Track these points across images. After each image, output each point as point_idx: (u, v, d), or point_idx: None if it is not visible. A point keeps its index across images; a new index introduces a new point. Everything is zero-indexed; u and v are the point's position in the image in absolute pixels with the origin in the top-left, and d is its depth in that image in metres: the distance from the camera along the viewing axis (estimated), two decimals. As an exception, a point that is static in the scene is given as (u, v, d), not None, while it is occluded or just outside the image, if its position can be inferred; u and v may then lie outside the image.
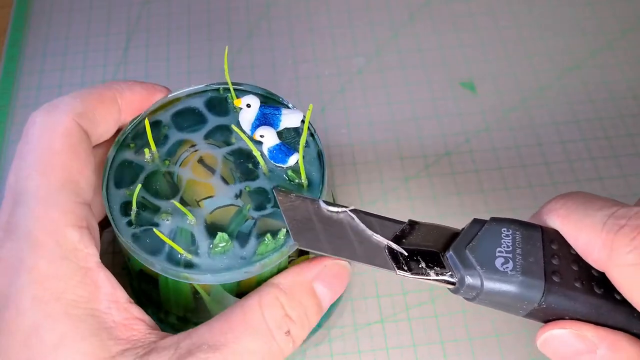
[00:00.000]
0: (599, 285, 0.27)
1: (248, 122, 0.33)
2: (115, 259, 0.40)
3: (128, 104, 0.33)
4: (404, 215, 0.41)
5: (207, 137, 0.34)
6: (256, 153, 0.32)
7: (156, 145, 0.33)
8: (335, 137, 0.45)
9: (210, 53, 0.49)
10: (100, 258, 0.29)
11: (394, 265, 0.28)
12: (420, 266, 0.28)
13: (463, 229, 0.29)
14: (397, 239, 0.29)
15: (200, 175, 0.33)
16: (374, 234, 0.29)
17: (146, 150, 0.33)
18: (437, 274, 0.28)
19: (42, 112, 0.30)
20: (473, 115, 0.46)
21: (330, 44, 0.50)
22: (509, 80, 0.47)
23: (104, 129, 0.32)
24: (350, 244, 0.29)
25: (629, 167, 0.43)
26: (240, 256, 0.30)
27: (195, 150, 0.33)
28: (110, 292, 0.28)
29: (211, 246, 0.30)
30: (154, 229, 0.30)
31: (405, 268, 0.28)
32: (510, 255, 0.27)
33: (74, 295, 0.27)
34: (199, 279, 0.30)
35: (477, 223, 0.28)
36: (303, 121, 0.34)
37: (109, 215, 0.31)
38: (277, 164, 0.32)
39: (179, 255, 0.30)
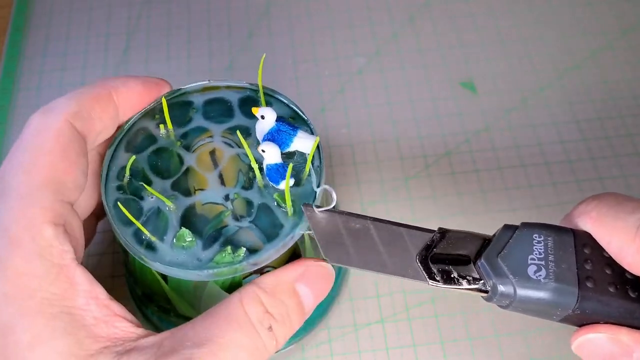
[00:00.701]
0: (633, 288, 0.27)
1: (261, 133, 0.33)
2: (116, 258, 0.40)
3: (125, 100, 0.32)
4: (404, 215, 0.41)
5: (227, 132, 0.34)
6: (254, 165, 0.31)
7: (178, 125, 0.34)
8: (335, 137, 0.45)
9: (210, 53, 0.49)
10: (80, 255, 0.29)
11: (426, 276, 0.28)
12: (452, 276, 0.28)
13: (494, 235, 0.29)
14: (427, 249, 0.29)
15: (201, 166, 0.33)
16: (403, 245, 0.29)
17: (161, 125, 0.33)
18: (469, 283, 0.28)
19: (38, 114, 0.30)
20: (473, 115, 0.46)
21: (330, 44, 0.50)
22: (509, 80, 0.47)
23: (102, 128, 0.32)
24: (380, 257, 0.29)
25: (629, 167, 0.43)
26: (198, 257, 0.30)
27: (211, 141, 0.33)
28: (88, 289, 0.28)
29: (174, 238, 0.30)
30: (120, 204, 0.30)
31: (438, 278, 0.28)
32: (542, 263, 0.27)
33: (48, 292, 0.27)
34: (149, 264, 0.30)
35: (509, 229, 0.28)
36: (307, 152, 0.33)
37: (103, 173, 0.32)
38: (271, 183, 0.31)
39: (144, 236, 0.30)
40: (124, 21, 0.51)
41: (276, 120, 0.32)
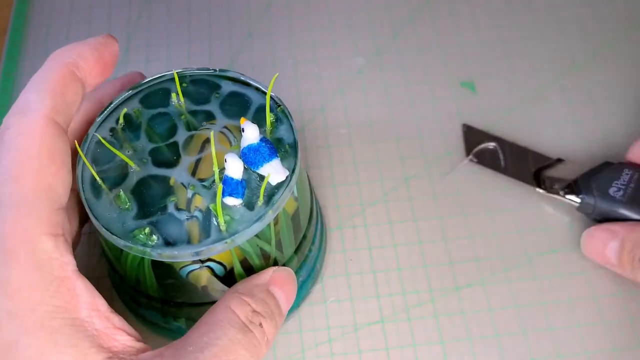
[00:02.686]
0: None
1: (243, 144, 0.32)
2: (103, 261, 0.40)
3: (88, 72, 0.31)
4: (404, 215, 0.41)
5: (234, 127, 0.33)
6: (215, 169, 0.31)
7: (194, 102, 0.34)
8: (335, 137, 0.45)
9: (210, 53, 0.49)
10: (77, 259, 0.28)
11: (535, 184, 0.41)
12: (554, 187, 0.40)
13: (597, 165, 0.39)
14: (544, 168, 0.41)
15: (187, 146, 0.33)
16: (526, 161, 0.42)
17: (173, 94, 0.34)
18: (565, 194, 0.39)
19: (15, 115, 0.29)
20: (473, 115, 0.46)
21: (330, 44, 0.50)
22: (509, 80, 0.47)
23: (77, 108, 0.31)
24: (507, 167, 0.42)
25: (629, 167, 0.43)
26: (123, 223, 0.30)
27: (209, 129, 0.33)
28: (89, 301, 0.27)
29: (116, 196, 0.31)
30: (102, 139, 0.32)
31: (544, 187, 0.40)
32: (623, 187, 0.37)
33: (50, 306, 0.26)
34: (86, 205, 0.31)
35: (609, 164, 0.39)
36: (273, 187, 0.31)
37: (102, 114, 0.34)
38: (228, 192, 0.31)
39: (97, 183, 0.31)
40: (124, 21, 0.51)
41: (262, 140, 0.31)
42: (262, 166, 0.31)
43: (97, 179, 0.31)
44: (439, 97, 0.47)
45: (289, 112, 0.34)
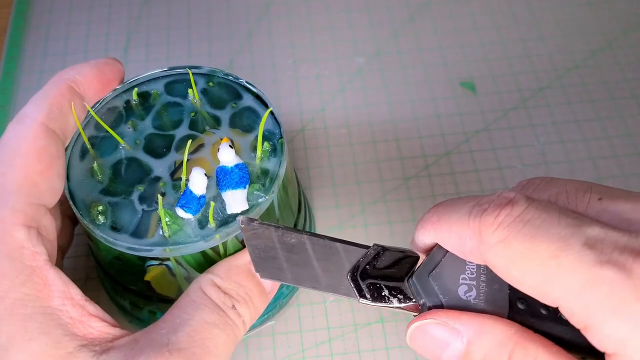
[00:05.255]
0: None
1: (222, 161, 0.31)
2: (90, 261, 0.40)
3: (87, 87, 0.33)
4: (404, 215, 0.41)
5: (238, 133, 0.33)
6: (184, 175, 0.31)
7: (211, 104, 0.34)
8: (335, 137, 0.45)
9: (210, 53, 0.49)
10: (63, 256, 0.29)
11: (357, 293, 0.28)
12: (383, 294, 0.28)
13: (428, 253, 0.28)
14: (361, 265, 0.28)
15: (184, 143, 0.33)
16: (338, 261, 0.29)
17: (190, 90, 0.34)
18: (400, 302, 0.28)
19: (13, 122, 0.31)
20: (473, 115, 0.46)
21: (330, 44, 0.50)
22: (509, 80, 0.47)
23: (74, 123, 0.32)
24: (314, 272, 0.29)
25: (629, 167, 0.43)
26: (90, 194, 0.31)
27: (213, 133, 0.33)
28: (62, 290, 0.28)
29: (96, 166, 0.32)
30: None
31: (368, 296, 0.28)
32: (474, 283, 0.26)
33: (20, 293, 0.27)
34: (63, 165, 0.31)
35: (442, 249, 0.27)
36: (229, 215, 0.30)
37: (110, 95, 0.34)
38: (181, 203, 0.31)
39: (85, 145, 0.32)
40: (124, 21, 0.51)
41: (237, 166, 0.31)
42: (225, 191, 0.31)
43: (85, 140, 0.32)
44: (439, 97, 0.47)
45: (286, 149, 0.32)
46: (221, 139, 0.32)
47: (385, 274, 0.28)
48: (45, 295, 0.27)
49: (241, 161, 0.31)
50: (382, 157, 0.44)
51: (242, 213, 0.30)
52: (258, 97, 0.34)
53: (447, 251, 0.27)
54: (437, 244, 0.27)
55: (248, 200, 0.31)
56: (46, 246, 0.28)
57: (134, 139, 0.33)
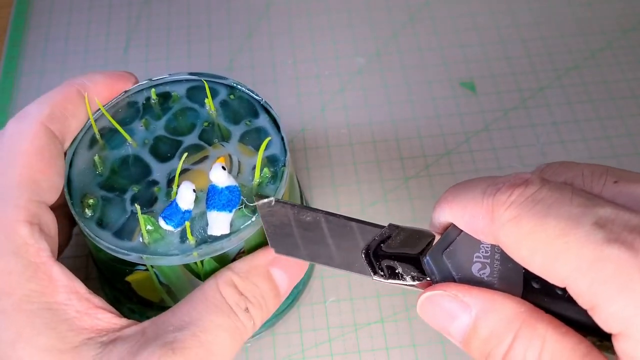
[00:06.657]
0: None
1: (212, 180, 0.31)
2: (89, 261, 0.40)
3: (95, 94, 0.33)
4: (404, 215, 0.41)
5: (245, 148, 0.33)
6: (174, 186, 0.31)
7: (226, 117, 0.34)
8: (335, 137, 0.45)
9: (210, 53, 0.49)
10: (58, 257, 0.29)
11: (370, 271, 0.28)
12: (397, 271, 0.28)
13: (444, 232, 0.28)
14: (376, 244, 0.28)
15: (191, 152, 0.32)
16: (352, 239, 0.29)
17: (206, 100, 0.34)
18: (413, 279, 0.28)
19: (13, 120, 0.31)
20: (473, 115, 0.46)
21: (330, 44, 0.50)
22: (509, 80, 0.47)
23: (77, 126, 0.33)
24: (328, 250, 0.29)
25: (629, 167, 0.43)
26: (87, 185, 0.31)
27: (223, 146, 0.33)
28: (67, 284, 0.28)
29: (97, 159, 0.32)
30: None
31: (382, 273, 0.28)
32: (488, 261, 0.26)
33: (27, 289, 0.27)
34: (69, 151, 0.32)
35: (457, 228, 0.27)
36: (209, 235, 0.30)
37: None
38: (164, 214, 0.30)
39: (94, 135, 0.33)
40: (124, 21, 0.51)
41: (228, 188, 0.30)
42: (211, 211, 0.30)
43: (95, 130, 0.32)
44: (439, 97, 0.47)
45: (286, 176, 0.32)
46: (222, 157, 0.32)
47: (400, 252, 0.28)
48: (50, 291, 0.28)
49: (235, 183, 0.30)
50: (382, 157, 0.44)
51: (222, 237, 0.30)
52: (274, 121, 0.34)
53: (462, 230, 0.27)
54: (452, 223, 0.27)
55: (233, 224, 0.30)
56: (48, 242, 0.28)
57: (143, 138, 0.33)
